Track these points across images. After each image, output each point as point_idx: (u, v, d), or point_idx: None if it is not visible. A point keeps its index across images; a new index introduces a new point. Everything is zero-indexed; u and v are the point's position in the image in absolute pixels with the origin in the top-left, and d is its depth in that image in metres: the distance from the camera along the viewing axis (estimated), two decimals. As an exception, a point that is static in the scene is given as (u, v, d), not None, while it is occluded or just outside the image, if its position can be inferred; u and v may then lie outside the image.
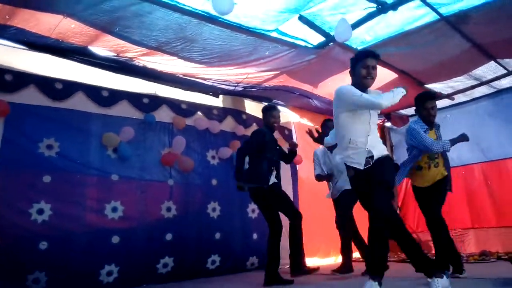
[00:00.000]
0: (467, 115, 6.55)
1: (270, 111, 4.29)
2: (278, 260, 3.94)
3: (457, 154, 6.57)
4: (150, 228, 4.69)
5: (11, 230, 3.82)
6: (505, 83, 5.99)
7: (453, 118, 6.73)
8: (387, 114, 7.26)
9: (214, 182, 5.37)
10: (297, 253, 4.23)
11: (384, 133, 7.61)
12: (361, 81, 2.93)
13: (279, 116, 4.31)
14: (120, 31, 3.83)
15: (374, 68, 2.92)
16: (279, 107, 6.42)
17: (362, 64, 2.92)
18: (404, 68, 5.28)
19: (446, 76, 5.63)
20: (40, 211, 4.00)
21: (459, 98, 6.53)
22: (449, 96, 6.42)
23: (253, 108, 6.11)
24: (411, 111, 7.21)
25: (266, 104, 5.36)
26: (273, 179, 4.06)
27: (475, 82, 5.94)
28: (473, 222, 6.40)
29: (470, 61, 5.14)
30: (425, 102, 3.76)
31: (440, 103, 6.67)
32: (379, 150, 2.90)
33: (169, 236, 4.79)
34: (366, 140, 2.85)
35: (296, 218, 4.15)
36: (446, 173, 3.80)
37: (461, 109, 6.68)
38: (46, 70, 4.31)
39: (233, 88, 5.62)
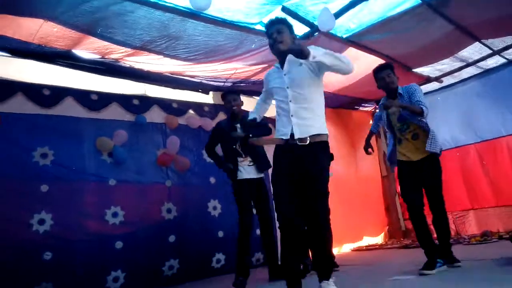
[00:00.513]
0: (456, 97, 6.60)
1: (224, 98, 4.17)
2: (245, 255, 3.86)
3: (451, 136, 6.67)
4: (152, 231, 4.69)
5: (13, 242, 3.82)
6: (491, 63, 6.03)
7: (443, 100, 6.78)
8: (378, 100, 7.28)
9: (212, 180, 5.38)
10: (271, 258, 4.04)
11: (377, 121, 7.62)
12: (272, 51, 2.78)
13: (234, 100, 4.08)
14: (103, 32, 3.80)
15: (280, 32, 2.68)
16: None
17: (268, 36, 2.77)
18: (390, 53, 5.29)
19: (432, 59, 5.65)
20: (41, 221, 4.00)
21: (448, 80, 6.56)
22: (438, 79, 6.45)
23: (244, 103, 6.08)
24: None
25: None
26: (246, 174, 3.94)
27: (461, 64, 5.97)
28: (472, 203, 6.43)
29: (454, 43, 5.17)
30: (378, 73, 3.60)
31: (429, 86, 6.75)
32: (309, 126, 2.57)
33: (172, 238, 4.81)
34: (289, 107, 2.59)
35: (265, 225, 3.99)
36: (429, 153, 3.45)
37: (450, 91, 6.72)
38: (32, 76, 4.30)
39: (222, 84, 5.62)
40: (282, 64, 2.75)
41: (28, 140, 4.15)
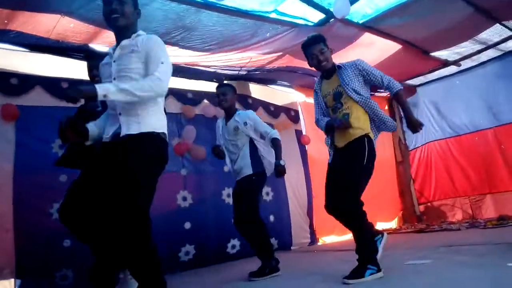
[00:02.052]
0: (476, 80, 6.50)
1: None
2: None
3: (470, 120, 6.61)
4: (168, 219, 4.73)
5: (35, 231, 3.91)
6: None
7: (462, 84, 6.67)
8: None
9: (225, 168, 5.39)
10: None
11: (392, 106, 7.53)
12: (108, 24, 2.32)
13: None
14: (119, 25, 3.81)
15: (122, 1, 2.16)
16: (284, 88, 6.46)
17: (103, 3, 2.22)
18: (408, 38, 5.20)
19: (451, 42, 5.54)
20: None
21: (466, 63, 6.45)
22: (456, 62, 6.33)
23: (258, 92, 6.10)
24: (419, 80, 7.15)
25: None
26: None
27: (481, 47, 5.84)
28: (490, 187, 6.43)
29: (474, 26, 5.05)
30: (308, 49, 2.91)
31: (447, 70, 6.64)
32: (139, 123, 2.11)
33: (187, 225, 4.89)
34: (115, 104, 2.11)
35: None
36: (363, 133, 2.79)
37: (469, 75, 6.62)
38: (50, 70, 4.33)
39: (236, 72, 5.61)
40: (118, 44, 2.21)
41: (47, 131, 4.16)
